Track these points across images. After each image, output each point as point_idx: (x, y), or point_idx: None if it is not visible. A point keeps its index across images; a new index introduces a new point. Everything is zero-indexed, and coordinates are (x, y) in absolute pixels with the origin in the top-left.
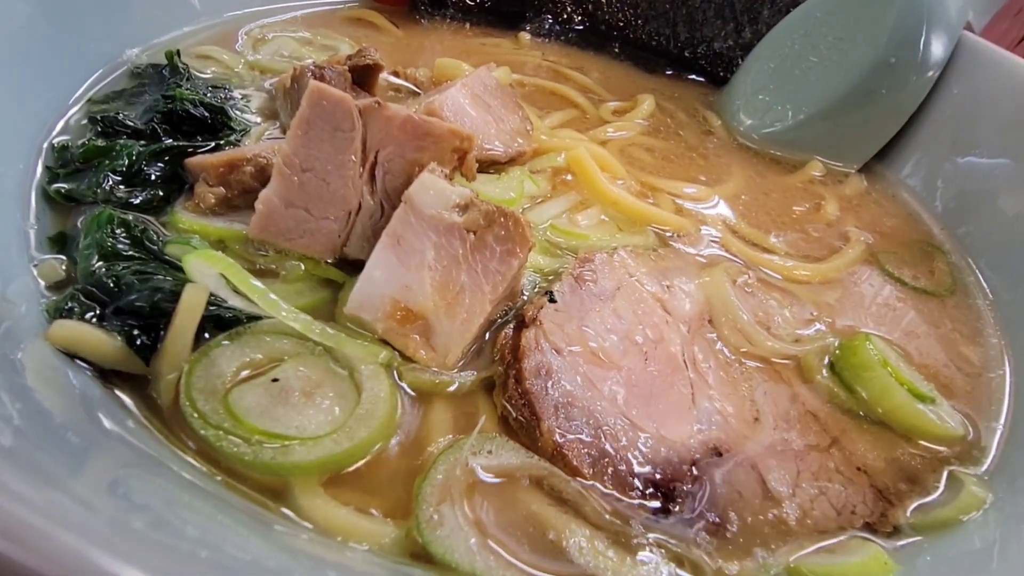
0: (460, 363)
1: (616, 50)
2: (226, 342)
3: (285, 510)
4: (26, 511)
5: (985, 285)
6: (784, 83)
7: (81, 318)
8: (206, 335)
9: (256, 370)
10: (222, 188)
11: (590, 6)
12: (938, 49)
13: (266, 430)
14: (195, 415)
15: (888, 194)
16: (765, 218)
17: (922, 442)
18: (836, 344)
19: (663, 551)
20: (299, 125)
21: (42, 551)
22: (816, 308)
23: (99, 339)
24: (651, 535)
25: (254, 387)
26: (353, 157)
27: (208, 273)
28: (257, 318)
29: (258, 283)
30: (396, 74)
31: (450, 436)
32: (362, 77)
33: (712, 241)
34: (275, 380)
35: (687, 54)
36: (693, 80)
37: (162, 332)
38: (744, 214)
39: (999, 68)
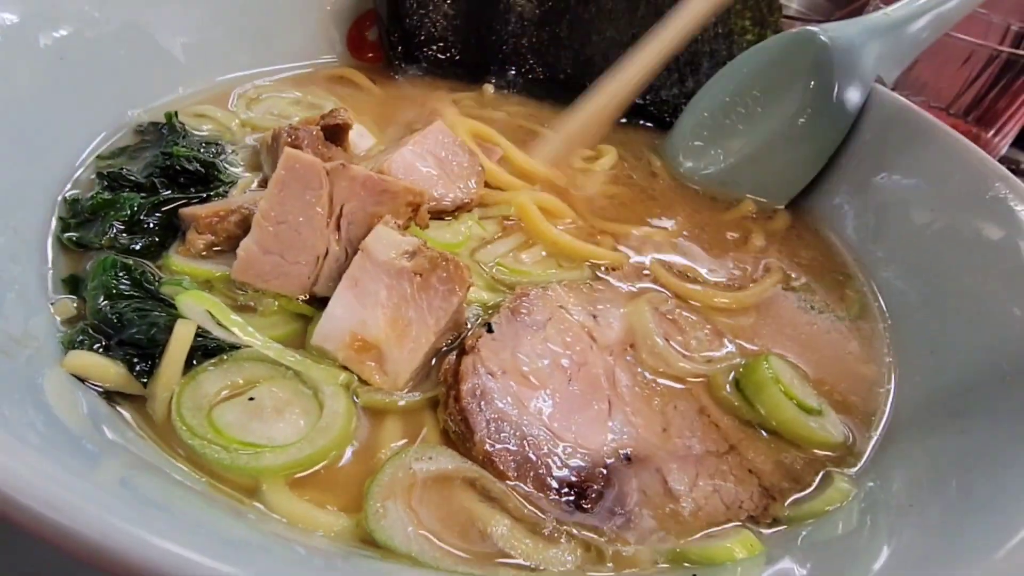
0: (409, 385)
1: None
2: (211, 368)
3: (257, 504)
4: (59, 489)
5: (886, 311)
6: (716, 130)
7: (90, 348)
8: (194, 362)
9: (235, 391)
10: (210, 235)
11: (550, 58)
12: (850, 100)
13: (242, 440)
14: (184, 428)
15: (810, 228)
16: (698, 252)
17: (812, 449)
18: (742, 363)
19: (573, 539)
20: (275, 184)
21: (76, 518)
22: (731, 332)
23: (105, 366)
24: (564, 527)
25: (233, 405)
26: (320, 210)
27: (196, 310)
28: (237, 347)
29: (238, 318)
30: None
31: (399, 443)
32: (333, 134)
33: (644, 273)
34: (251, 399)
35: (638, 101)
36: (643, 125)
37: (157, 360)
38: (679, 248)
39: (906, 118)
